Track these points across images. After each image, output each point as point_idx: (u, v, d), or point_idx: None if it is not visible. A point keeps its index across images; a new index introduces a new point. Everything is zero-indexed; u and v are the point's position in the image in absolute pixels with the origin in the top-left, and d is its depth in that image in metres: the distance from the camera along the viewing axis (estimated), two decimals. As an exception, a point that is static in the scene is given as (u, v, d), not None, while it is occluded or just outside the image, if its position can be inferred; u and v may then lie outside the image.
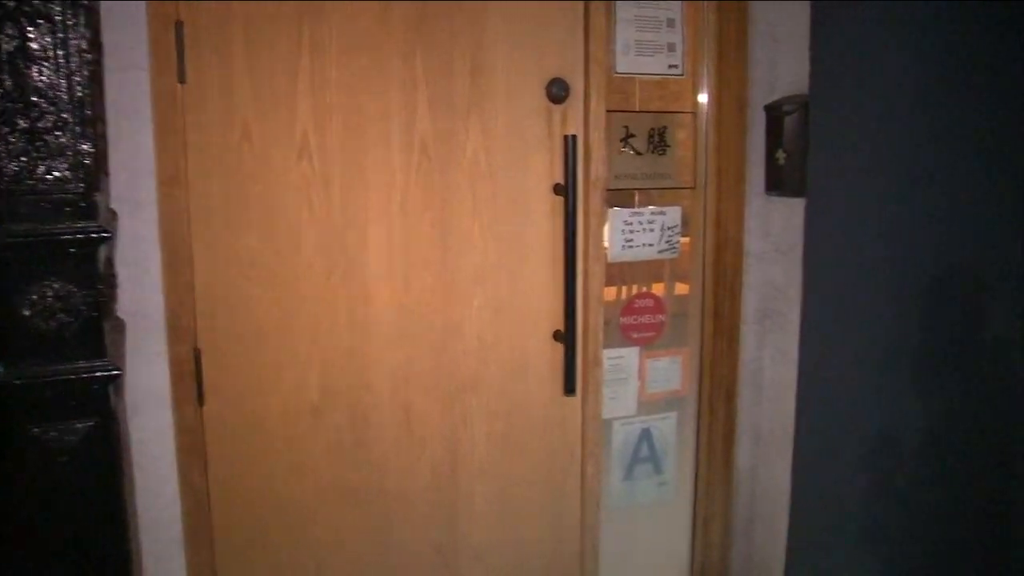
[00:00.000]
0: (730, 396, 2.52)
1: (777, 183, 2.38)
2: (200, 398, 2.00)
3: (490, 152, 2.13)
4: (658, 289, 2.47)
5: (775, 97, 2.39)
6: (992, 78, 2.38)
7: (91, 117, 1.48)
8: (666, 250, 2.43)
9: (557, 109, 2.17)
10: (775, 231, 2.44)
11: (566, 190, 2.14)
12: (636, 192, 2.39)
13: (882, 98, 2.29)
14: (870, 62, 2.27)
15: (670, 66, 2.37)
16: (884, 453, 2.45)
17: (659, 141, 2.40)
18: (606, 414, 2.43)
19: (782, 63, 2.39)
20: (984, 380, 2.53)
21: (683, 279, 2.51)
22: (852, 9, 2.26)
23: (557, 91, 2.15)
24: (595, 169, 2.23)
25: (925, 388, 2.47)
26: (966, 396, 2.52)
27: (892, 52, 2.28)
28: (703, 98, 2.42)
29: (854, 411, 2.39)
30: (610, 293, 2.42)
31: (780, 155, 2.35)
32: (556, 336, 2.25)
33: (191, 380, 1.99)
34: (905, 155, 2.33)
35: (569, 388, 2.23)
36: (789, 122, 2.33)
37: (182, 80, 1.89)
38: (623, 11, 2.28)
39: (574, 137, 2.14)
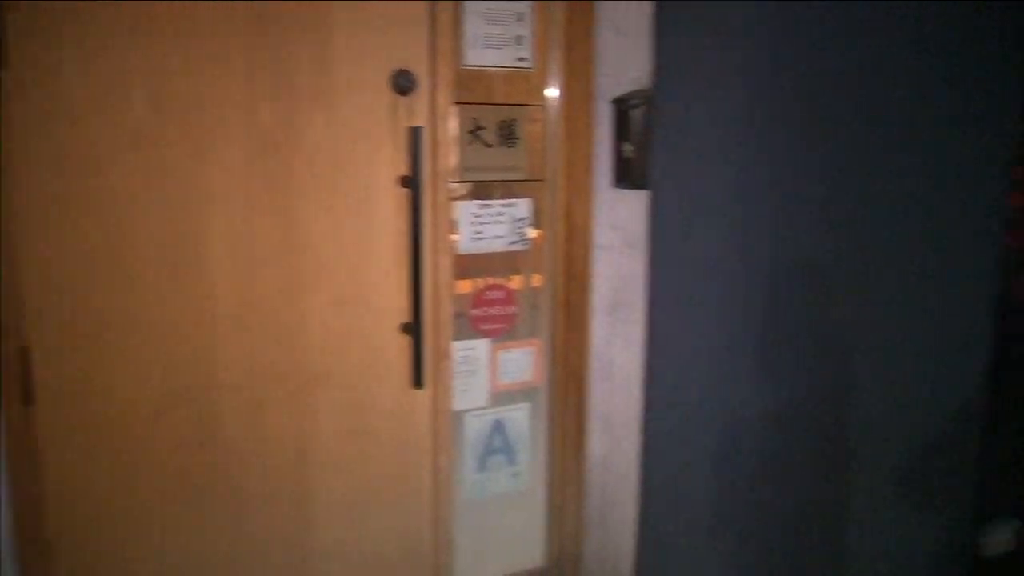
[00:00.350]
0: (581, 386, 2.56)
1: (625, 176, 2.42)
2: (28, 397, 1.91)
3: (335, 144, 2.10)
4: (510, 281, 2.48)
5: (622, 91, 2.43)
6: (825, 76, 2.48)
7: None
8: (516, 242, 2.44)
9: (403, 101, 2.15)
10: (623, 223, 2.48)
11: (412, 182, 2.12)
12: (486, 184, 2.39)
13: (723, 93, 2.35)
14: (711, 58, 2.34)
15: (519, 59, 2.38)
16: (730, 437, 2.53)
17: (509, 134, 2.41)
18: (457, 406, 2.43)
19: (629, 58, 2.43)
20: (824, 365, 2.64)
21: (535, 271, 2.52)
22: (693, 6, 2.31)
23: (403, 83, 2.13)
24: (442, 161, 2.22)
25: (769, 374, 2.57)
26: (809, 380, 2.62)
27: (731, 49, 2.35)
28: (552, 91, 2.44)
29: (700, 398, 2.46)
30: (465, 286, 2.41)
31: (627, 148, 2.39)
32: (404, 329, 2.24)
33: (17, 379, 1.90)
34: (746, 149, 2.41)
35: (417, 381, 2.23)
36: (635, 116, 2.37)
37: (3, 65, 1.79)
38: (472, 4, 2.27)
39: (419, 129, 2.12)
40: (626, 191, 2.44)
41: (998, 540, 3.17)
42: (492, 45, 2.33)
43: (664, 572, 2.54)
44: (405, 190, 2.16)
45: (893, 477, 2.84)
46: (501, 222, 2.40)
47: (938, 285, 2.78)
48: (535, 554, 2.67)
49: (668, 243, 2.36)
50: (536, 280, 2.52)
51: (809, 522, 2.71)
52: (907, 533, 2.91)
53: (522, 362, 2.53)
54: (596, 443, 2.64)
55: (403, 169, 2.17)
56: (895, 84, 2.60)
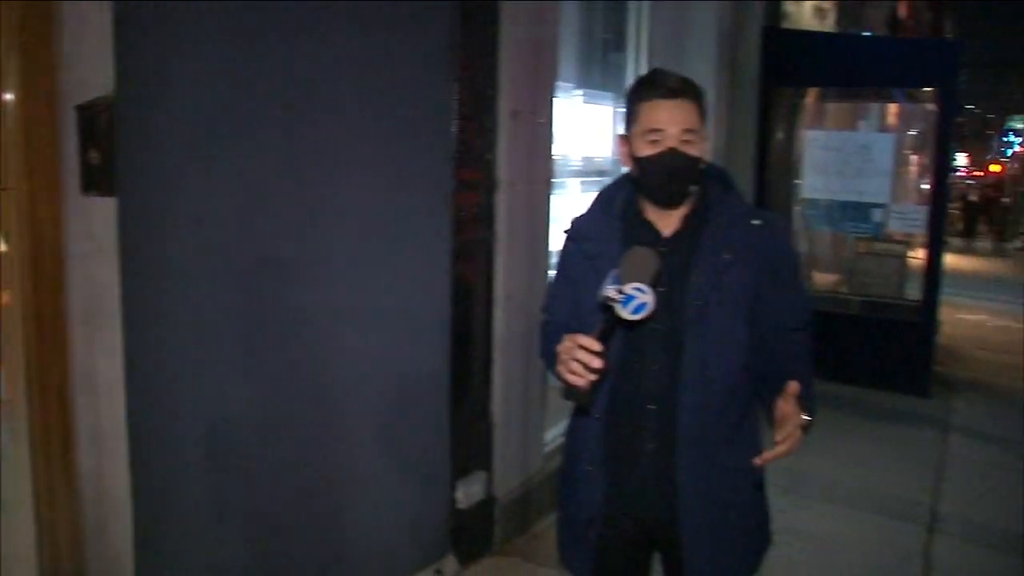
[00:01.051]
0: (64, 400, 2.49)
1: (94, 183, 2.39)
2: None
3: None
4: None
5: (89, 96, 2.40)
6: (288, 82, 2.68)
7: None
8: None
9: None
10: (98, 230, 2.45)
11: None
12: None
13: (187, 97, 2.45)
14: (174, 62, 2.41)
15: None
16: (219, 435, 2.64)
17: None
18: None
19: (96, 63, 2.40)
20: (302, 353, 2.85)
21: (6, 286, 2.40)
22: (156, 9, 2.37)
23: None
24: None
25: (250, 368, 2.71)
26: (289, 369, 2.82)
27: (192, 53, 2.45)
28: (8, 96, 2.33)
29: (184, 400, 2.54)
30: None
31: (94, 155, 2.37)
32: None
33: None
34: (212, 151, 2.53)
35: None
36: (101, 121, 2.36)
37: None
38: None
39: None
40: (98, 198, 2.42)
41: (471, 492, 3.66)
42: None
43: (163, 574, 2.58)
44: None
45: (376, 446, 3.15)
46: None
47: (400, 274, 3.14)
48: (28, 570, 2.55)
49: (141, 249, 2.40)
50: (6, 296, 2.39)
51: (304, 496, 2.91)
52: (393, 495, 3.26)
53: (-5, 382, 2.39)
54: (86, 456, 2.58)
55: None
56: (351, 93, 2.89)
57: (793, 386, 1.75)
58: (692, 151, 1.95)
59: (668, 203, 2.02)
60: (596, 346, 1.77)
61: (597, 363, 1.77)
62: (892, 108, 8.98)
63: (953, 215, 25.85)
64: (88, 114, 2.39)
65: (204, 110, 2.48)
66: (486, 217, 3.60)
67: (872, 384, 7.15)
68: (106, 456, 2.56)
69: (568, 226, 2.19)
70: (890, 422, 6.44)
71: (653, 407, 2.00)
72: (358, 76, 2.88)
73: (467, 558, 3.66)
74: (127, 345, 2.40)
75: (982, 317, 12.20)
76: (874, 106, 8.84)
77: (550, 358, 2.01)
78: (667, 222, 2.04)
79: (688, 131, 1.94)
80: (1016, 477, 5.55)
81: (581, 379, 1.78)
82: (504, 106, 3.59)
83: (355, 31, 2.84)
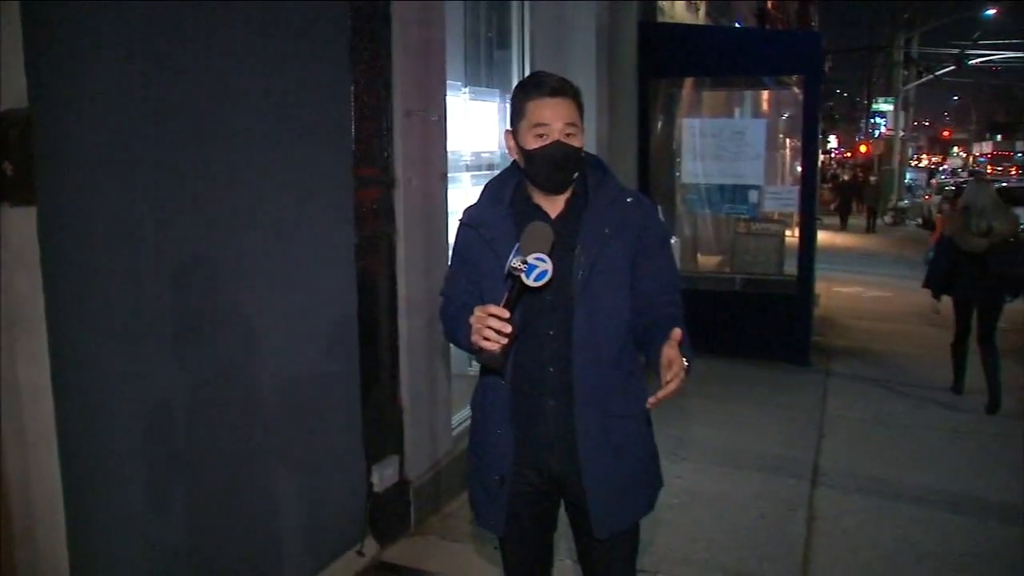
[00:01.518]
0: (-14, 407, 2.56)
1: (8, 194, 2.47)
2: None
3: None
4: None
5: (1, 108, 2.47)
6: (198, 87, 2.81)
7: None
8: None
9: None
10: (14, 240, 2.53)
11: None
12: None
13: (106, 103, 2.55)
14: (90, 68, 2.51)
15: None
16: (150, 428, 2.75)
17: None
18: None
19: (8, 73, 2.48)
20: (226, 346, 2.98)
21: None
22: (67, 12, 2.46)
23: None
24: None
25: (177, 364, 2.83)
26: (212, 365, 2.94)
27: (109, 62, 2.55)
28: (-84, 112, 2.39)
29: (115, 398, 2.64)
30: None
31: (7, 166, 2.45)
32: None
33: None
34: (135, 156, 2.64)
35: None
36: (14, 134, 2.44)
37: None
38: None
39: None
40: (14, 208, 2.50)
41: (385, 475, 3.82)
42: None
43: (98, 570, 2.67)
44: None
45: (294, 436, 3.30)
46: None
47: (308, 270, 3.29)
48: (-43, 585, 2.60)
49: (65, 255, 2.49)
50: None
51: (232, 486, 3.04)
52: (313, 481, 3.40)
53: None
54: (12, 462, 2.65)
55: None
56: (256, 97, 3.03)
57: (676, 332, 2.00)
58: (575, 142, 2.19)
59: (555, 189, 2.26)
60: (505, 313, 2.01)
61: (508, 328, 2.00)
62: (764, 95, 9.47)
63: (827, 195, 27.04)
64: (1, 126, 2.46)
65: (119, 116, 2.58)
66: (386, 212, 3.77)
67: (757, 356, 7.58)
68: (34, 460, 2.64)
69: (463, 216, 2.40)
70: (774, 390, 6.85)
71: (552, 368, 2.24)
72: (263, 80, 3.02)
73: (386, 538, 3.83)
74: (53, 350, 2.48)
75: (857, 289, 12.94)
76: (748, 93, 9.32)
77: (456, 334, 2.27)
78: (554, 206, 2.28)
79: (570, 124, 2.18)
80: (887, 431, 6.04)
81: (495, 344, 2.01)
82: (398, 105, 3.77)
83: (258, 36, 2.98)
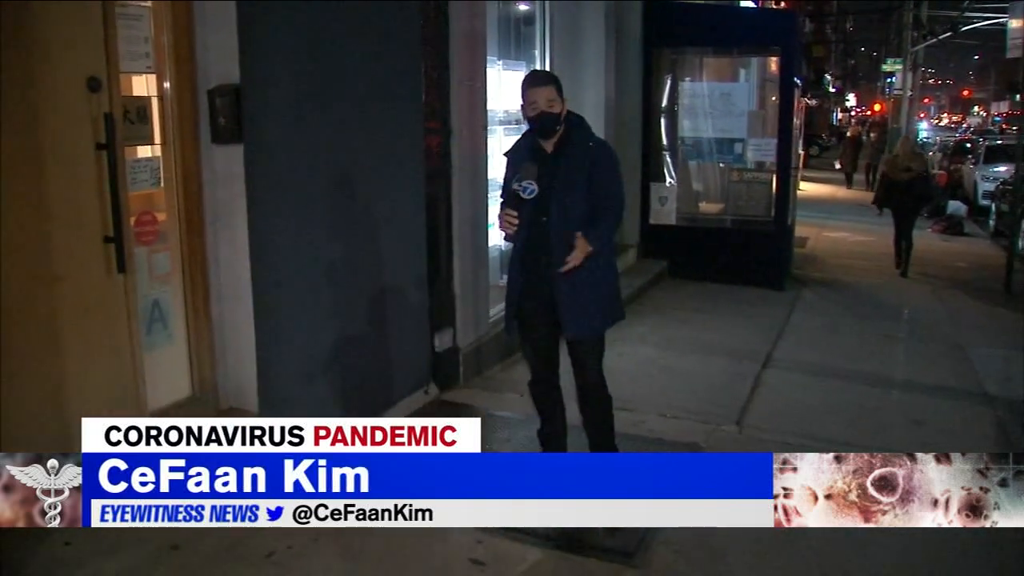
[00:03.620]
0: (204, 272, 4.09)
1: (220, 136, 3.98)
2: None
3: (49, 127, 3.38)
4: (156, 212, 3.91)
5: (213, 84, 3.96)
6: (346, 62, 4.34)
7: None
8: (150, 183, 3.88)
9: (94, 96, 3.48)
10: (220, 167, 4.03)
11: (108, 147, 3.49)
12: (134, 148, 3.79)
13: (287, 81, 4.04)
14: (277, 59, 3.99)
15: (147, 67, 3.81)
16: (315, 285, 4.26)
17: (137, 116, 3.81)
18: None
19: (219, 55, 3.93)
20: (356, 235, 4.49)
21: (169, 210, 3.97)
22: (262, 14, 3.93)
23: (94, 85, 3.46)
24: (119, 134, 3.60)
25: (332, 241, 4.33)
26: (350, 256, 4.44)
27: (287, 51, 4.05)
28: (167, 85, 3.89)
29: (291, 268, 4.15)
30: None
31: (221, 120, 3.95)
32: (106, 239, 3.58)
33: None
34: (303, 113, 4.13)
35: (120, 268, 3.59)
36: (224, 101, 3.93)
37: None
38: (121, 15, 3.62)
39: (110, 114, 3.49)
40: (221, 146, 4.00)
41: (443, 340, 5.36)
42: (133, 57, 3.72)
43: (276, 394, 4.21)
44: (102, 152, 3.50)
45: (390, 305, 4.84)
46: (141, 170, 3.83)
47: (396, 191, 4.83)
48: (184, 382, 4.15)
49: (259, 175, 3.99)
50: (162, 216, 3.97)
51: (356, 333, 4.58)
52: (399, 342, 4.95)
53: (164, 261, 3.98)
54: (216, 309, 4.18)
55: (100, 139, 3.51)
56: (366, 77, 4.54)
57: (580, 236, 3.63)
58: (555, 109, 3.73)
59: (544, 137, 3.81)
60: (514, 213, 3.64)
61: (516, 221, 3.63)
62: (754, 61, 10.80)
63: (837, 150, 27.84)
64: (214, 96, 3.95)
65: (293, 89, 4.09)
66: (445, 153, 5.30)
67: (741, 282, 9.05)
68: (229, 310, 4.15)
69: (505, 153, 3.95)
70: (751, 306, 8.34)
71: (542, 239, 3.76)
72: (371, 65, 4.55)
73: (443, 386, 5.39)
74: (251, 237, 3.98)
75: (844, 235, 14.31)
76: (739, 60, 10.66)
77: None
78: (549, 146, 3.82)
79: (550, 100, 3.72)
80: (835, 335, 7.54)
81: (511, 228, 3.67)
82: (454, 77, 5.28)
83: (370, 37, 4.51)
